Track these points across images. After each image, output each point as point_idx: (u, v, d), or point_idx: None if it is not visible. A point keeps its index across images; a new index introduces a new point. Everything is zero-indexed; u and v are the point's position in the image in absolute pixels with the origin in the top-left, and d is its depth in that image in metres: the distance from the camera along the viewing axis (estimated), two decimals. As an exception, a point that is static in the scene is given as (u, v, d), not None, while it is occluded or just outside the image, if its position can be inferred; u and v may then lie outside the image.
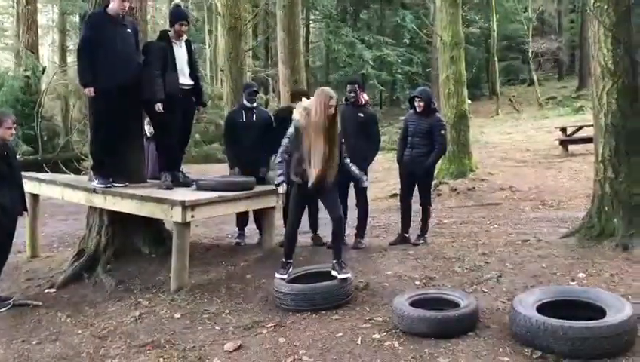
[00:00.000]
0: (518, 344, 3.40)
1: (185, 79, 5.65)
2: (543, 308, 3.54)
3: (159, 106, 5.38)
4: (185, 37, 5.74)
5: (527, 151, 14.66)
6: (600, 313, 3.42)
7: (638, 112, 5.20)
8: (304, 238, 6.49)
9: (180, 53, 5.61)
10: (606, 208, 5.24)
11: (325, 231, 6.44)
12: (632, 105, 5.18)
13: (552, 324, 3.23)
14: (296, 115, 4.60)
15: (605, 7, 5.14)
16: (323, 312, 4.17)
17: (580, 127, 13.37)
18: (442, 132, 5.94)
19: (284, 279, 4.44)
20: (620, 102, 5.14)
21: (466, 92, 10.96)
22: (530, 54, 28.67)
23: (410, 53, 30.04)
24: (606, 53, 5.18)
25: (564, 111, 23.29)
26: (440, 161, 10.68)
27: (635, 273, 4.52)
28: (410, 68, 29.35)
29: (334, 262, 4.47)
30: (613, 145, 5.20)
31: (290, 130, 4.54)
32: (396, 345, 3.56)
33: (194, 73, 5.77)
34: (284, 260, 4.60)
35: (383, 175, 11.91)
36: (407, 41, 29.86)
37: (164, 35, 5.68)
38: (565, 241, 5.49)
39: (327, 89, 4.47)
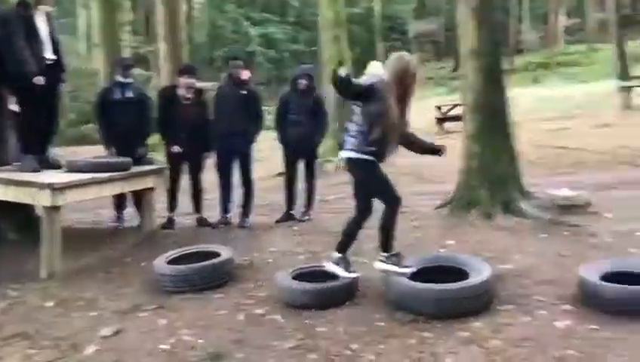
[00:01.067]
0: (392, 309, 3.59)
1: (48, 53, 5.24)
2: (415, 274, 3.75)
3: (40, 79, 4.99)
4: (46, 7, 5.30)
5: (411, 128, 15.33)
6: (465, 275, 3.69)
7: (501, 91, 5.61)
8: (188, 220, 6.38)
9: (42, 24, 5.18)
10: (473, 180, 5.62)
11: (210, 213, 6.38)
12: (495, 84, 5.57)
13: (422, 288, 3.45)
14: (378, 70, 3.74)
15: (470, -10, 5.46)
16: (205, 292, 4.13)
17: (455, 105, 14.16)
18: (325, 109, 6.11)
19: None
20: (484, 81, 5.51)
21: (349, 71, 11.19)
22: (410, 35, 29.84)
23: (297, 31, 30.10)
24: (472, 34, 5.51)
25: (443, 90, 24.60)
26: (325, 139, 10.95)
27: (496, 239, 4.92)
28: (297, 46, 29.42)
29: (387, 255, 3.79)
30: (479, 121, 5.57)
31: (370, 83, 3.60)
32: (278, 317, 3.62)
33: (56, 47, 5.32)
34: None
35: (269, 154, 11.94)
36: (293, 19, 29.87)
37: (22, 2, 5.20)
38: (439, 212, 5.84)
39: (407, 53, 3.85)
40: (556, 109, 16.18)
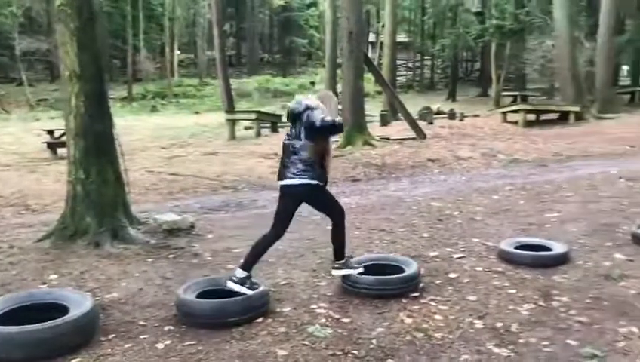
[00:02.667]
0: (-29, 363, 3.07)
1: None
2: (5, 318, 3.32)
3: None
4: None
5: (15, 154, 13.80)
6: (64, 311, 3.44)
7: (105, 116, 5.52)
8: None
9: None
10: (79, 208, 5.36)
11: None
12: (98, 109, 5.45)
13: (4, 333, 3.06)
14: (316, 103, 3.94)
15: (69, 11, 5.22)
16: None
17: (68, 130, 13.39)
18: None
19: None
20: (87, 106, 5.33)
21: None
22: (17, 52, 27.08)
23: None
24: (73, 57, 5.28)
25: (57, 113, 23.08)
26: None
27: (104, 267, 4.78)
28: None
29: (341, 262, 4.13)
30: (82, 147, 5.35)
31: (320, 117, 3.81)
32: None
33: None
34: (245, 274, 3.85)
35: None
36: None
37: None
38: (40, 245, 5.35)
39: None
40: (172, 137, 16.97)
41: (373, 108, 22.06)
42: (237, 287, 3.76)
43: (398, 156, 11.67)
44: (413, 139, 13.82)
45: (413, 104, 23.57)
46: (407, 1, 37.84)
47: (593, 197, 7.15)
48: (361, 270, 4.10)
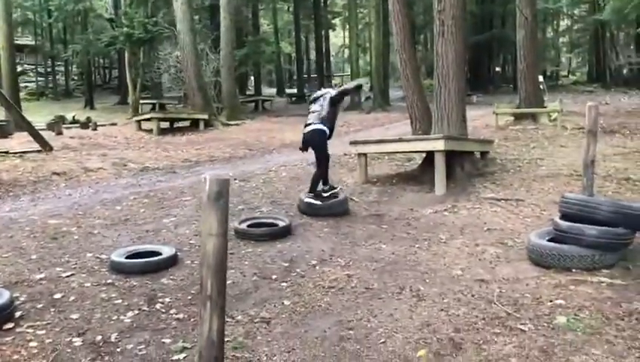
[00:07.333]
0: None
1: None
2: None
3: None
4: None
5: None
6: None
7: None
8: None
9: None
10: None
11: None
12: None
13: None
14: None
15: None
16: None
17: None
18: None
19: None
20: None
21: None
22: None
23: None
24: None
25: None
26: None
27: None
28: None
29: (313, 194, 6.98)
30: None
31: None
32: None
33: None
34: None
35: None
36: None
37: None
38: None
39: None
40: None
41: (-8, 118, 19.50)
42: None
43: (18, 171, 10.57)
44: (38, 151, 12.72)
45: (48, 113, 21.83)
46: (30, 2, 34.44)
47: (209, 199, 7.80)
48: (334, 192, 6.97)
